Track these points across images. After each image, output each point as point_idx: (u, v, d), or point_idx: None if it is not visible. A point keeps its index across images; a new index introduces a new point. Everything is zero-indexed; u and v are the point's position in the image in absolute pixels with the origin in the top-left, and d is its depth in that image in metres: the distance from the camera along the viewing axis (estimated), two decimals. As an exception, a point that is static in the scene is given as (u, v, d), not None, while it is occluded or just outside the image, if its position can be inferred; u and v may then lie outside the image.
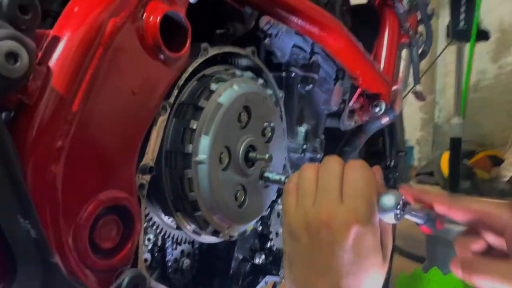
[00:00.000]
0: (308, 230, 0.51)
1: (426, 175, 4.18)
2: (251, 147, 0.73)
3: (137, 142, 0.55)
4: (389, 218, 0.56)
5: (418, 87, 1.23)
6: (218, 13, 0.74)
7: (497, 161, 3.53)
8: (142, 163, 0.58)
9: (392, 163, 1.58)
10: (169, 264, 0.76)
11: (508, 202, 0.53)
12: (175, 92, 0.62)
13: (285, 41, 0.85)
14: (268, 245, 0.86)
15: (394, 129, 1.49)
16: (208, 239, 0.72)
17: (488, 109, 3.94)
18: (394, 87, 1.12)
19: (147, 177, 0.58)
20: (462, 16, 2.40)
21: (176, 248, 0.77)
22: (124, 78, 0.52)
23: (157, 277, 0.75)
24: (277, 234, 0.86)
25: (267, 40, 0.82)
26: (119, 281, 0.51)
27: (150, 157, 0.59)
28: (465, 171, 3.44)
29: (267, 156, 0.72)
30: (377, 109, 1.03)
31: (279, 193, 0.84)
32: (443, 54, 2.85)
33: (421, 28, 1.21)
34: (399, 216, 0.57)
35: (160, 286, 0.63)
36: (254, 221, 0.77)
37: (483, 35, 3.24)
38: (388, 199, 0.56)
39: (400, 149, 1.62)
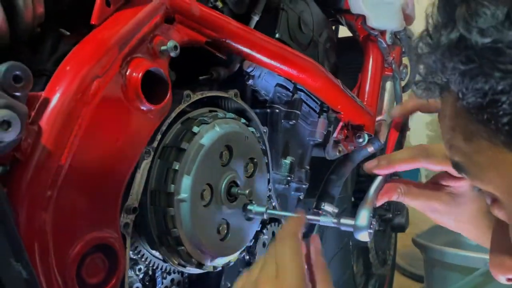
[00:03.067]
0: None
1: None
2: (233, 183, 0.78)
3: (121, 186, 0.61)
4: (363, 237, 0.63)
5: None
6: (202, 60, 0.81)
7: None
8: (127, 203, 0.64)
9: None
10: (159, 292, 0.81)
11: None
12: (159, 137, 0.68)
13: (268, 81, 0.92)
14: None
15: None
16: (193, 270, 0.77)
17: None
18: (378, 118, 1.17)
19: (131, 217, 0.64)
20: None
21: (166, 278, 0.82)
22: (109, 130, 0.58)
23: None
24: (262, 262, 0.91)
25: (250, 82, 0.89)
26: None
27: (134, 197, 0.65)
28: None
29: (247, 191, 0.78)
30: (360, 140, 1.08)
31: (264, 224, 0.90)
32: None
33: (405, 60, 1.27)
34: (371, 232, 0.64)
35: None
36: (238, 252, 0.82)
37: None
38: (362, 220, 0.63)
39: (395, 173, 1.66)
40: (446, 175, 0.65)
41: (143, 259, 0.75)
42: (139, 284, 0.78)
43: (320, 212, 1.09)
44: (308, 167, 1.01)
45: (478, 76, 0.34)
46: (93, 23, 0.61)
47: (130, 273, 0.76)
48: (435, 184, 0.67)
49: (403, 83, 1.22)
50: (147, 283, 0.80)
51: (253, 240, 0.87)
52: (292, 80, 0.87)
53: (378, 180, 0.67)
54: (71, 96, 0.54)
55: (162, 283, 0.81)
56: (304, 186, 1.00)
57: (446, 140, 0.43)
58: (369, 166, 0.66)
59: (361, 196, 1.59)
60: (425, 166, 0.64)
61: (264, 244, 0.91)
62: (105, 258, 0.59)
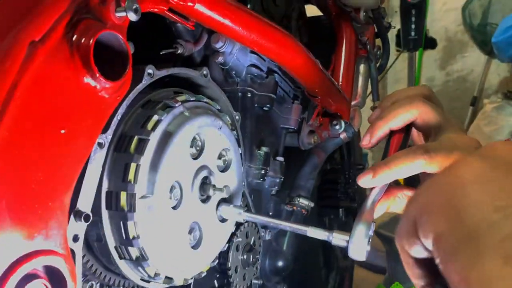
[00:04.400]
0: None
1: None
2: (205, 179, 0.65)
3: (68, 187, 0.46)
4: (359, 255, 0.52)
5: (377, 103, 1.20)
6: (165, 31, 0.67)
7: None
8: (76, 209, 0.49)
9: (351, 177, 1.55)
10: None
11: None
12: (115, 123, 0.54)
13: (240, 59, 0.79)
14: (227, 281, 0.79)
15: (352, 144, 1.46)
16: (159, 286, 0.63)
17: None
18: (353, 103, 1.08)
19: (82, 226, 0.50)
20: (413, 26, 2.44)
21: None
22: (50, 115, 0.43)
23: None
24: (236, 269, 0.79)
25: (220, 59, 0.76)
26: None
27: (85, 201, 0.50)
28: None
29: (223, 188, 0.65)
30: (337, 127, 0.99)
31: (238, 225, 0.77)
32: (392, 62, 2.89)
33: (377, 41, 1.18)
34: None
35: None
36: (211, 261, 0.69)
37: (431, 44, 3.34)
38: (358, 236, 0.52)
39: (358, 162, 1.60)
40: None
41: (96, 275, 0.61)
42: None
43: (295, 208, 0.99)
44: (282, 159, 0.90)
45: None
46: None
47: (79, 292, 0.61)
48: None
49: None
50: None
51: (227, 244, 0.75)
52: (270, 57, 0.75)
53: (376, 190, 0.56)
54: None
55: (119, 301, 0.67)
56: (278, 179, 0.89)
57: None
58: (363, 179, 0.53)
59: (326, 203, 1.51)
60: (426, 169, 0.53)
61: (237, 248, 0.79)
62: (49, 284, 0.44)
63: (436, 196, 0.38)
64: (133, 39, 0.58)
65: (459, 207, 0.35)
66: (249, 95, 0.82)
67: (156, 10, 0.58)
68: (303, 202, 0.97)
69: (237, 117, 0.77)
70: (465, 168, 0.38)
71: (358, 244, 0.52)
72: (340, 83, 1.04)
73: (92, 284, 0.62)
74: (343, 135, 1.07)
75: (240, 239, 0.79)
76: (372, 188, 0.54)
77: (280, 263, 0.93)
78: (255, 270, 0.84)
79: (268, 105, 0.83)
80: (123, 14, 0.51)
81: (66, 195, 0.46)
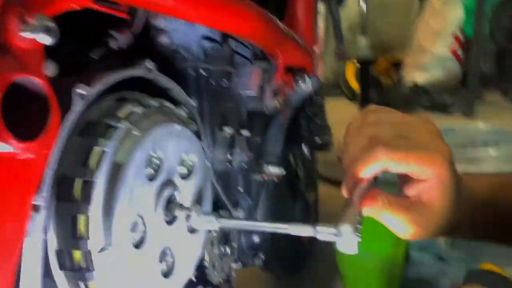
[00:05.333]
0: None
1: (333, 88, 4.22)
2: (170, 198, 0.57)
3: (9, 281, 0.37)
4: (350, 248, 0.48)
5: (341, 47, 1.09)
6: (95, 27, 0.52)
7: (399, 66, 3.62)
8: (22, 295, 0.40)
9: (312, 111, 1.49)
10: None
11: None
12: (49, 173, 0.43)
13: (188, 35, 0.66)
14: (204, 277, 0.74)
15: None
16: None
17: (385, 11, 3.95)
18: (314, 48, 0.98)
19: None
20: None
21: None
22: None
23: None
24: (213, 265, 0.73)
25: (164, 39, 0.62)
26: None
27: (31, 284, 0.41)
28: (371, 81, 3.50)
29: (192, 207, 0.57)
30: (302, 85, 0.89)
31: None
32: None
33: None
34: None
35: None
36: (189, 276, 0.63)
37: None
38: (346, 227, 0.47)
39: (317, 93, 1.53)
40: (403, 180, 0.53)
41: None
42: None
43: (265, 176, 0.92)
44: (248, 133, 0.81)
45: None
46: None
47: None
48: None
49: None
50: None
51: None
52: (223, 30, 0.63)
53: (363, 185, 0.50)
54: None
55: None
56: (247, 157, 0.80)
57: None
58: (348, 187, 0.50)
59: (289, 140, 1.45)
60: (386, 167, 0.49)
61: (212, 243, 0.73)
62: None
63: None
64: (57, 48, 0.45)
65: None
66: (203, 73, 0.70)
67: (78, 6, 0.44)
68: (273, 170, 0.91)
69: (194, 105, 0.66)
70: None
71: (347, 241, 0.47)
72: (301, 30, 0.93)
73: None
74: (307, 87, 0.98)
75: (213, 234, 0.73)
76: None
77: (257, 239, 0.88)
78: (233, 256, 0.80)
79: (225, 81, 0.72)
80: (31, 35, 0.38)
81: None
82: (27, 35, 0.38)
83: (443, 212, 0.53)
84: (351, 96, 3.86)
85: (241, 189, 0.86)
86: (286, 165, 1.47)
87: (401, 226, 0.51)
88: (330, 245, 0.56)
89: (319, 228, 0.50)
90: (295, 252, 1.56)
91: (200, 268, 0.73)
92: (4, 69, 0.35)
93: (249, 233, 0.88)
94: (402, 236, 0.54)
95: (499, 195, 0.60)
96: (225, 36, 0.72)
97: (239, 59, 0.79)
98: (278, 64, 0.84)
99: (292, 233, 0.54)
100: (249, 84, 0.83)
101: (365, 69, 2.47)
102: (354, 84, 3.82)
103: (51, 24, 0.38)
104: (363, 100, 2.62)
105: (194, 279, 0.74)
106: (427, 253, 1.57)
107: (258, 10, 0.66)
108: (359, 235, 0.48)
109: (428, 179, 0.50)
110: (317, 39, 0.99)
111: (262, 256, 0.94)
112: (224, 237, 0.76)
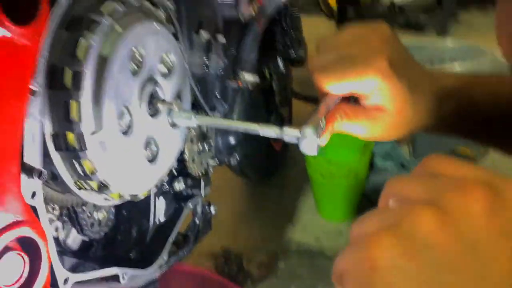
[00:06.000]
0: None
1: (312, 5, 4.16)
2: (152, 93, 0.62)
3: (12, 153, 0.42)
4: (310, 149, 0.54)
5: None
6: None
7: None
8: (26, 167, 0.46)
9: (287, 25, 1.52)
10: (84, 222, 0.69)
11: None
12: (42, 61, 0.47)
13: None
14: (186, 171, 0.81)
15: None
16: (125, 201, 0.65)
17: None
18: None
19: (37, 183, 0.47)
20: None
21: (86, 205, 0.69)
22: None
23: (74, 236, 0.69)
24: (193, 159, 0.81)
25: None
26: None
27: (32, 156, 0.47)
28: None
29: (172, 102, 0.62)
30: (276, -8, 0.92)
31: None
32: None
33: None
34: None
35: (82, 276, 0.57)
36: (171, 165, 0.70)
37: None
38: (307, 129, 0.53)
39: (293, 9, 1.55)
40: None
41: (56, 201, 0.60)
42: (57, 223, 0.65)
43: (240, 83, 0.98)
44: (224, 39, 0.85)
45: None
46: None
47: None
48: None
49: None
50: (66, 217, 0.67)
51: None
52: None
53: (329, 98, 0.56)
54: None
55: (84, 211, 0.69)
56: (223, 63, 0.85)
57: None
58: (321, 79, 0.54)
59: (265, 54, 1.48)
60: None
61: (192, 140, 0.80)
62: (22, 252, 0.44)
63: (350, 271, 0.31)
64: None
65: None
66: (180, -23, 0.72)
67: None
68: (248, 77, 0.96)
69: (171, 7, 0.69)
70: (377, 251, 0.30)
71: (308, 142, 0.54)
72: None
73: (54, 206, 0.63)
74: (282, -5, 1.01)
75: (193, 133, 0.79)
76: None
77: (232, 140, 0.96)
78: (210, 153, 0.87)
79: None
80: None
81: (12, 163, 0.43)
82: None
83: (401, 113, 0.58)
84: (329, 14, 3.82)
85: (218, 94, 0.92)
86: (261, 78, 1.53)
87: (361, 129, 0.57)
88: (301, 154, 0.61)
89: (285, 129, 0.55)
90: (268, 159, 1.66)
91: (181, 163, 0.81)
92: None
93: (225, 134, 0.95)
94: (366, 138, 0.60)
95: (475, 91, 0.62)
96: None
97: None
98: (253, -31, 0.86)
99: (261, 134, 0.60)
100: (225, -10, 0.85)
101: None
102: (332, 2, 3.76)
103: None
104: (340, 17, 2.62)
105: (175, 172, 0.82)
106: (390, 161, 1.70)
107: None
108: (320, 139, 0.54)
109: (374, 89, 0.54)
110: None
111: (237, 156, 1.02)
112: (202, 135, 0.82)
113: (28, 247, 0.45)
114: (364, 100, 0.57)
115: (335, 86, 0.55)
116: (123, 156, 0.57)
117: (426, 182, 0.32)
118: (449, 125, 0.65)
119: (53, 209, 0.64)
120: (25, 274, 0.45)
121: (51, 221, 0.63)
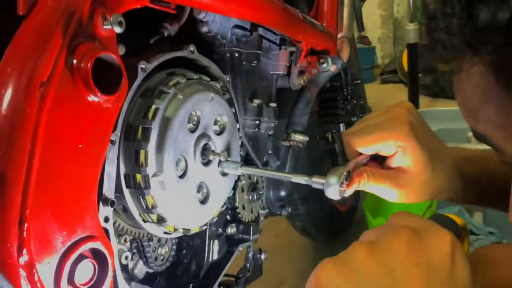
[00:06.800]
0: None
1: (390, 74, 4.26)
2: (205, 146, 0.77)
3: (93, 186, 0.58)
4: (332, 193, 0.63)
5: (363, 33, 1.24)
6: (150, 20, 0.73)
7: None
8: (103, 197, 0.62)
9: (350, 93, 1.64)
10: (149, 255, 0.83)
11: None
12: (120, 120, 0.64)
13: (224, 24, 0.85)
14: (237, 217, 0.94)
15: (348, 62, 1.53)
16: (179, 235, 0.78)
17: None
18: (339, 35, 1.14)
19: (109, 210, 0.63)
20: None
21: (152, 240, 0.83)
22: (68, 138, 0.54)
23: (140, 266, 0.83)
24: (243, 206, 0.93)
25: (204, 29, 0.82)
26: (104, 312, 0.58)
27: (108, 190, 0.63)
28: (426, 66, 3.51)
29: (221, 153, 0.76)
30: (324, 65, 1.06)
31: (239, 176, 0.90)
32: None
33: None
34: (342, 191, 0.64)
35: (142, 291, 0.70)
36: (219, 208, 0.83)
37: None
38: (332, 177, 0.63)
39: (356, 77, 1.67)
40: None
41: (127, 232, 0.75)
42: (127, 253, 0.80)
43: (291, 143, 1.10)
44: (275, 104, 0.99)
45: None
46: (21, 14, 0.53)
47: (118, 245, 0.76)
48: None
49: None
50: (135, 249, 0.81)
51: (232, 190, 0.88)
52: (249, 20, 0.81)
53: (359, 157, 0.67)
54: (20, 112, 0.49)
55: (150, 245, 0.83)
56: (273, 124, 0.99)
57: (471, 111, 0.43)
58: (350, 141, 0.67)
59: (328, 120, 1.62)
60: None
61: (242, 189, 0.93)
62: (93, 259, 0.58)
63: None
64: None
65: None
66: (236, 55, 0.89)
67: (138, 5, 0.65)
68: (299, 137, 1.08)
69: (227, 79, 0.86)
70: (321, 273, 0.43)
71: (331, 189, 0.64)
72: (326, 20, 1.09)
73: (126, 238, 0.77)
74: (333, 68, 1.14)
75: (243, 182, 0.92)
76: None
77: (283, 193, 1.07)
78: (261, 202, 0.99)
79: (255, 61, 0.91)
80: (109, 27, 0.59)
81: (93, 192, 0.58)
82: (107, 27, 0.59)
83: (422, 175, 0.66)
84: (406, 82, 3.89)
85: (270, 151, 1.05)
86: (325, 141, 1.64)
87: (387, 191, 0.65)
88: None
89: (314, 178, 0.67)
90: (331, 220, 1.73)
91: (233, 210, 0.94)
92: (93, 49, 0.56)
93: (276, 187, 1.07)
94: (391, 200, 0.68)
95: (494, 161, 0.66)
96: (254, 25, 0.91)
97: (268, 44, 0.98)
98: (302, 47, 1.01)
99: (293, 180, 0.71)
100: (277, 65, 1.01)
101: (413, 53, 2.53)
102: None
103: (122, 19, 0.59)
104: (413, 84, 2.69)
105: (228, 218, 0.95)
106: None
107: (278, 4, 0.83)
108: (345, 189, 0.64)
109: (396, 150, 0.64)
110: (341, 27, 1.14)
111: (288, 209, 1.13)
112: (253, 185, 0.95)
113: (98, 258, 0.59)
114: (389, 160, 0.67)
115: (361, 147, 0.66)
116: (178, 196, 0.72)
117: (378, 229, 0.47)
118: (471, 192, 0.70)
119: (125, 240, 0.79)
120: (94, 279, 0.59)
121: (122, 251, 0.78)
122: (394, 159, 0.66)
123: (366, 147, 0.66)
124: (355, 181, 0.64)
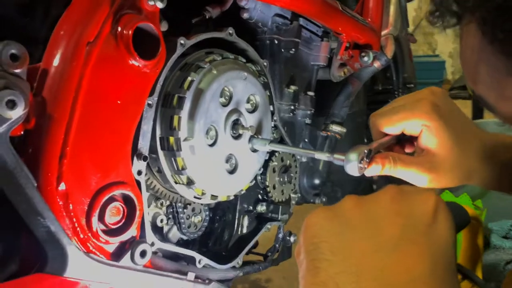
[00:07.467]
0: None
1: (459, 89, 4.10)
2: (236, 121, 0.83)
3: (128, 139, 0.66)
4: (351, 169, 0.66)
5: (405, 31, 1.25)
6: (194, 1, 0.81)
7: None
8: (137, 152, 0.70)
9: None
10: (182, 221, 0.90)
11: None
12: (158, 87, 0.72)
13: (265, 12, 0.91)
14: (268, 196, 0.98)
15: (399, 64, 1.53)
16: (208, 201, 0.85)
17: None
18: (384, 32, 1.15)
19: (143, 164, 0.70)
20: None
21: (186, 208, 0.90)
22: (108, 92, 0.62)
23: (174, 231, 0.90)
24: (274, 186, 0.98)
25: (246, 15, 0.89)
26: (129, 251, 0.65)
27: (143, 147, 0.71)
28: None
29: (250, 127, 0.82)
30: (365, 59, 1.08)
31: (272, 152, 0.95)
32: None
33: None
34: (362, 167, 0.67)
35: (165, 245, 0.77)
36: (248, 181, 0.88)
37: None
38: (352, 154, 0.66)
39: (409, 81, 1.66)
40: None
41: (163, 195, 0.83)
42: (163, 216, 0.87)
43: (329, 133, 1.14)
44: (313, 93, 1.04)
45: None
46: (77, -15, 0.62)
47: (154, 208, 0.84)
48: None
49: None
50: (170, 215, 0.88)
51: (263, 168, 0.93)
52: (289, 9, 0.87)
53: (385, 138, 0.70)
54: (68, 65, 0.58)
55: (184, 212, 0.90)
56: (309, 111, 1.03)
57: (470, 73, 0.46)
58: (376, 121, 0.70)
59: None
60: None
61: (274, 170, 0.98)
62: (124, 204, 0.66)
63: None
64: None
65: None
66: (276, 42, 0.95)
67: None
68: (336, 128, 1.11)
69: (265, 64, 0.92)
70: (311, 216, 0.49)
71: (351, 165, 0.67)
72: (370, 15, 1.12)
73: (162, 202, 0.85)
74: (377, 64, 1.16)
75: (275, 163, 0.97)
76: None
77: (317, 181, 1.10)
78: (293, 186, 1.03)
79: (293, 49, 0.96)
80: (152, 3, 0.67)
81: (127, 144, 0.66)
82: (151, 2, 0.67)
83: (450, 155, 0.66)
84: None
85: (306, 139, 1.09)
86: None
87: (417, 177, 0.66)
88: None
89: (335, 155, 0.71)
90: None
91: (265, 189, 0.99)
92: (135, 18, 0.64)
93: (310, 175, 1.10)
94: (422, 185, 0.69)
95: None
96: (294, 15, 0.96)
97: (308, 35, 1.03)
98: (342, 39, 1.05)
99: (316, 157, 0.76)
100: (318, 56, 1.06)
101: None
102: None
103: (164, -4, 0.67)
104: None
105: (260, 197, 1.00)
106: (510, 240, 1.59)
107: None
108: (363, 164, 0.67)
109: (422, 130, 0.65)
110: (386, 24, 1.16)
111: (323, 198, 1.15)
112: (284, 167, 0.99)
113: (128, 204, 0.67)
114: (415, 141, 0.69)
115: (387, 126, 0.68)
116: (207, 161, 0.78)
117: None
118: (507, 180, 0.69)
119: (161, 204, 0.86)
120: (122, 221, 0.66)
121: (157, 214, 0.85)
122: (420, 139, 0.67)
123: (391, 126, 0.68)
124: (378, 161, 0.66)
